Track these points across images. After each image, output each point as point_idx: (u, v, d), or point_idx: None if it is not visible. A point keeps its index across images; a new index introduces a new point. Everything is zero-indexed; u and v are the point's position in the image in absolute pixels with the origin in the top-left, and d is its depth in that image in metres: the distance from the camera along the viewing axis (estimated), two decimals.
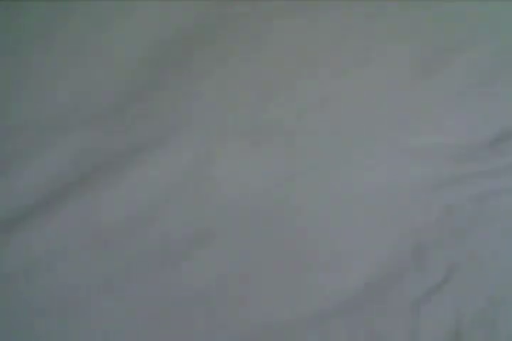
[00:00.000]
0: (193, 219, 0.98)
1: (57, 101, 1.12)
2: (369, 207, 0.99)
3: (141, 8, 1.23)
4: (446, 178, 1.01)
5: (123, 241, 0.95)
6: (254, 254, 0.95)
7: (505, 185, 1.00)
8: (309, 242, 0.95)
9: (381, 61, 1.14)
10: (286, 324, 0.89)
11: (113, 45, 1.19)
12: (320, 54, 1.15)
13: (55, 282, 0.92)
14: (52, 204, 0.98)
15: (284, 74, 1.13)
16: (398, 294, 0.90)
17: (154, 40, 1.20)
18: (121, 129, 1.08)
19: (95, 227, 0.97)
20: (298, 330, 0.88)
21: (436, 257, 0.93)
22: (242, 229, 0.97)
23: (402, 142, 1.05)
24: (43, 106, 1.11)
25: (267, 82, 1.13)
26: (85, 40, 1.20)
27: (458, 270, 0.92)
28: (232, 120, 1.08)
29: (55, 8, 1.24)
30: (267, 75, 1.14)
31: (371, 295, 0.90)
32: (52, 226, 0.96)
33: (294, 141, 1.06)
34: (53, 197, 0.99)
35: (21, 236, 0.95)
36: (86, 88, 1.14)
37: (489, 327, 0.87)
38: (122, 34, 1.20)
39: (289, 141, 1.06)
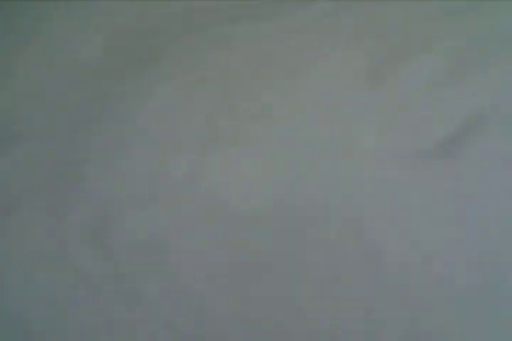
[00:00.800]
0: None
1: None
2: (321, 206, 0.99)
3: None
4: (399, 183, 1.01)
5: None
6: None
7: (458, 192, 1.00)
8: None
9: (335, 63, 1.14)
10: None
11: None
12: (272, 57, 1.15)
13: None
14: None
15: (240, 77, 1.13)
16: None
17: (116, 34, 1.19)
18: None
19: None
20: None
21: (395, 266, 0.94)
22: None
23: (356, 145, 1.05)
24: None
25: (223, 86, 1.13)
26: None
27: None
28: (186, 131, 1.08)
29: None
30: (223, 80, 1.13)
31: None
32: None
33: (249, 146, 1.06)
34: None
35: None
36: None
37: None
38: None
39: (244, 146, 1.06)
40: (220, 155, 1.06)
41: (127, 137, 1.08)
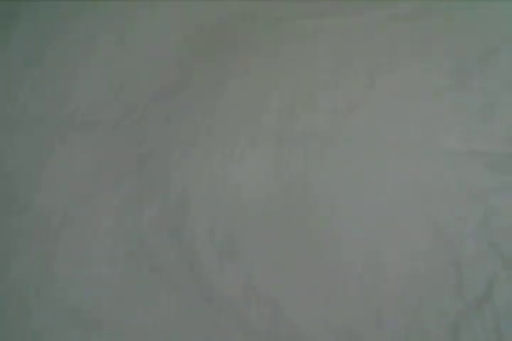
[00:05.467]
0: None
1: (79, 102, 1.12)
2: (401, 213, 0.96)
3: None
4: (483, 187, 0.98)
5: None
6: (280, 263, 0.94)
7: None
8: (336, 249, 0.94)
9: (415, 62, 1.10)
10: (313, 334, 0.88)
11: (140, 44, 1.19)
12: (351, 59, 1.12)
13: None
14: None
15: (313, 80, 1.11)
16: (435, 311, 0.88)
17: (182, 38, 1.19)
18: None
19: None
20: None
21: (474, 270, 0.91)
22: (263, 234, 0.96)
23: (435, 147, 1.02)
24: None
25: (300, 84, 1.11)
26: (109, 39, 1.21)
27: (497, 284, 0.89)
28: (263, 121, 1.07)
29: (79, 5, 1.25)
30: (293, 82, 1.11)
31: (406, 310, 0.88)
32: None
33: (329, 143, 1.04)
34: None
35: None
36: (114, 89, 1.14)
37: None
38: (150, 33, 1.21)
39: (322, 143, 1.04)
40: (299, 151, 1.04)
41: (205, 126, 1.07)
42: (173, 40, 1.19)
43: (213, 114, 1.09)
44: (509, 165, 1.00)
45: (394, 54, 1.12)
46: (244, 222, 0.98)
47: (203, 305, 0.92)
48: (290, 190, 1.00)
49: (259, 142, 1.05)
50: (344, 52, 1.13)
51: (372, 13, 1.17)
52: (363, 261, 0.93)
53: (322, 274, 0.93)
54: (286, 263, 0.94)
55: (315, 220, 0.97)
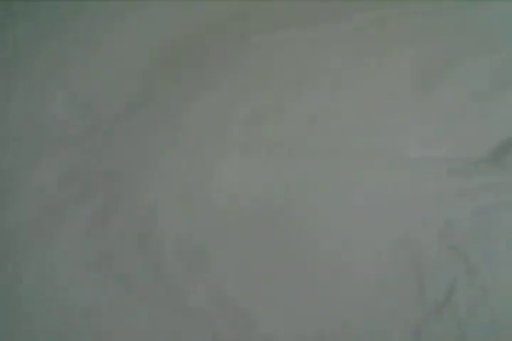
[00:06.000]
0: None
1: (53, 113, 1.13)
2: (368, 219, 0.98)
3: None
4: (447, 192, 0.99)
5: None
6: (256, 266, 0.94)
7: (506, 199, 0.98)
8: (310, 254, 0.95)
9: (381, 72, 1.13)
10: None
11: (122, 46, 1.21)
12: (318, 66, 1.15)
13: None
14: None
15: (279, 92, 1.13)
16: (398, 315, 0.89)
17: (148, 51, 1.20)
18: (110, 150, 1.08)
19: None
20: None
21: (437, 273, 0.92)
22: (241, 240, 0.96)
23: (402, 155, 1.04)
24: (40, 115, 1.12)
25: (266, 95, 1.13)
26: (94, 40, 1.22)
27: (459, 286, 0.90)
28: (230, 132, 1.08)
29: (62, 8, 1.27)
30: (260, 93, 1.13)
31: (370, 315, 0.89)
32: None
33: (295, 153, 1.05)
34: None
35: None
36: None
37: None
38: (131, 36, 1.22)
39: (290, 153, 1.06)
40: (266, 160, 1.05)
41: (172, 138, 1.08)
42: (140, 53, 1.20)
43: (179, 127, 1.09)
44: (469, 170, 1.02)
45: (359, 64, 1.14)
46: (214, 232, 0.98)
47: (172, 316, 0.91)
48: (259, 200, 1.01)
49: (226, 153, 1.06)
50: (310, 63, 1.15)
51: (338, 25, 1.20)
52: (332, 268, 0.93)
53: (292, 283, 0.93)
54: (258, 274, 0.94)
55: (284, 229, 0.98)
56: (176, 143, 1.08)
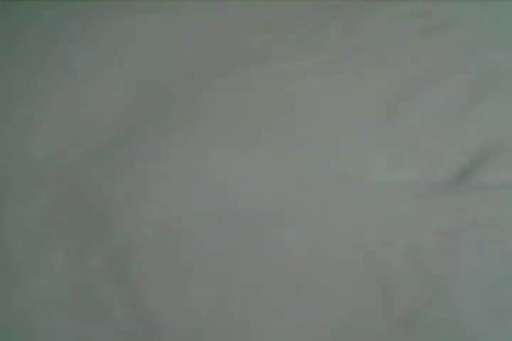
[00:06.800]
0: None
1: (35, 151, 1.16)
2: (335, 244, 1.00)
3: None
4: (412, 214, 1.02)
5: None
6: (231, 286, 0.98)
7: (469, 220, 1.01)
8: (275, 281, 0.97)
9: (345, 100, 1.17)
10: None
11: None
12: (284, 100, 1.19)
13: None
14: None
15: (252, 124, 1.17)
16: (366, 335, 0.91)
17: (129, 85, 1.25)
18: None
19: None
20: None
21: (402, 295, 0.94)
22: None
23: (366, 180, 1.07)
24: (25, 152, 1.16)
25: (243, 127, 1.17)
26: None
27: (424, 306, 0.92)
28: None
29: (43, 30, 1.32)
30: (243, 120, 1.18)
31: (338, 335, 0.91)
32: None
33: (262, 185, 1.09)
34: None
35: None
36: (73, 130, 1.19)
37: None
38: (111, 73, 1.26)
39: (258, 185, 1.09)
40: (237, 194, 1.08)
41: (149, 174, 1.11)
42: (121, 87, 1.24)
43: (157, 162, 1.13)
44: (435, 191, 1.05)
45: (324, 87, 1.19)
46: (191, 263, 1.00)
47: None
48: (231, 229, 1.03)
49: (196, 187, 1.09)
50: (278, 94, 1.20)
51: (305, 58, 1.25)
52: (299, 290, 0.96)
53: (266, 303, 0.96)
54: (234, 294, 0.97)
55: (251, 250, 1.01)
56: (153, 179, 1.10)
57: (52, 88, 1.25)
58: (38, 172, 1.14)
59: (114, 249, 1.02)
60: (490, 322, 0.90)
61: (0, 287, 1.00)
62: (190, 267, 1.00)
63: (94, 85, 1.26)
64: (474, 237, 0.99)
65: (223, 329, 0.93)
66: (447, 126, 1.13)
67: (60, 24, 1.36)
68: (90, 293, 0.98)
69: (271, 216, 1.04)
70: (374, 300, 0.93)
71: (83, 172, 1.13)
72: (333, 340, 0.91)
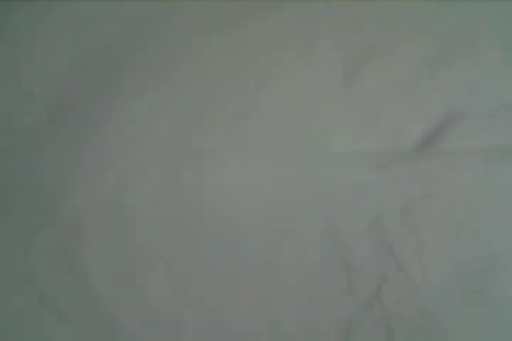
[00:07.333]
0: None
1: None
2: (298, 218, 0.98)
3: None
4: (375, 186, 0.99)
5: None
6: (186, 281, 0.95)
7: (432, 191, 0.98)
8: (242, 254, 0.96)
9: (302, 68, 1.11)
10: None
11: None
12: (238, 69, 1.12)
13: None
14: None
15: (205, 94, 1.10)
16: (330, 313, 0.90)
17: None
18: None
19: None
20: None
21: (366, 270, 0.92)
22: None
23: (325, 151, 1.03)
24: None
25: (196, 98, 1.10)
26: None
27: (387, 283, 0.91)
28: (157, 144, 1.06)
29: None
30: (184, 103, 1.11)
31: (302, 314, 0.91)
32: None
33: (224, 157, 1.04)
34: None
35: None
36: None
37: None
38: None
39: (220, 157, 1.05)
40: (195, 166, 1.04)
41: (92, 153, 1.05)
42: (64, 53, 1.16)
43: (101, 136, 1.07)
44: (399, 161, 1.01)
45: (280, 58, 1.12)
46: (140, 247, 0.97)
47: (103, 338, 0.91)
48: (183, 211, 1.00)
49: (151, 163, 1.04)
50: (233, 62, 1.13)
51: (258, 24, 1.17)
52: (262, 268, 0.94)
53: (222, 286, 0.94)
54: (189, 291, 0.94)
55: (212, 233, 0.97)
56: (99, 151, 1.05)
57: None
58: None
59: (60, 231, 0.98)
60: (451, 300, 0.90)
61: None
62: (140, 257, 0.96)
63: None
64: (439, 206, 0.97)
65: (178, 315, 0.91)
66: (410, 93, 1.08)
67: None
68: (34, 278, 0.94)
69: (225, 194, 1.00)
70: (339, 278, 0.92)
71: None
72: (297, 317, 0.90)
